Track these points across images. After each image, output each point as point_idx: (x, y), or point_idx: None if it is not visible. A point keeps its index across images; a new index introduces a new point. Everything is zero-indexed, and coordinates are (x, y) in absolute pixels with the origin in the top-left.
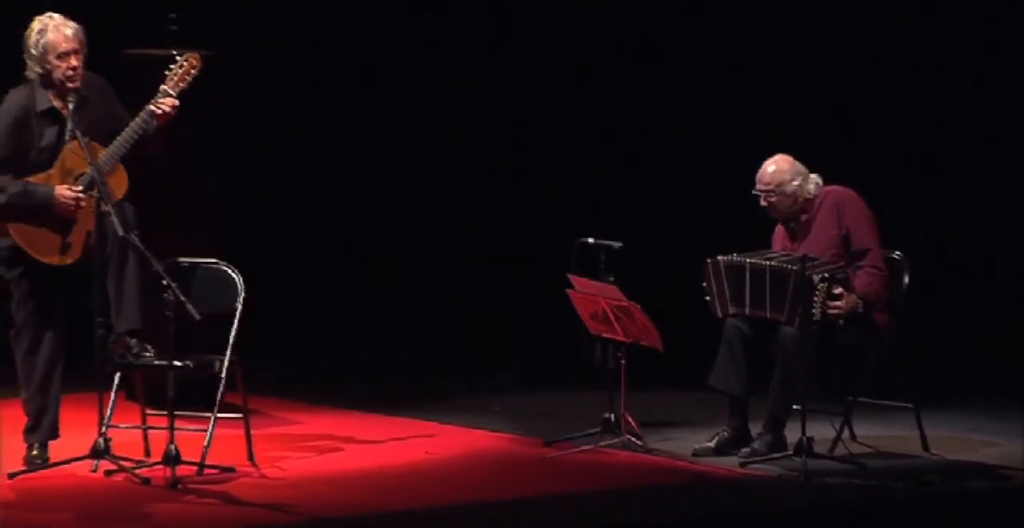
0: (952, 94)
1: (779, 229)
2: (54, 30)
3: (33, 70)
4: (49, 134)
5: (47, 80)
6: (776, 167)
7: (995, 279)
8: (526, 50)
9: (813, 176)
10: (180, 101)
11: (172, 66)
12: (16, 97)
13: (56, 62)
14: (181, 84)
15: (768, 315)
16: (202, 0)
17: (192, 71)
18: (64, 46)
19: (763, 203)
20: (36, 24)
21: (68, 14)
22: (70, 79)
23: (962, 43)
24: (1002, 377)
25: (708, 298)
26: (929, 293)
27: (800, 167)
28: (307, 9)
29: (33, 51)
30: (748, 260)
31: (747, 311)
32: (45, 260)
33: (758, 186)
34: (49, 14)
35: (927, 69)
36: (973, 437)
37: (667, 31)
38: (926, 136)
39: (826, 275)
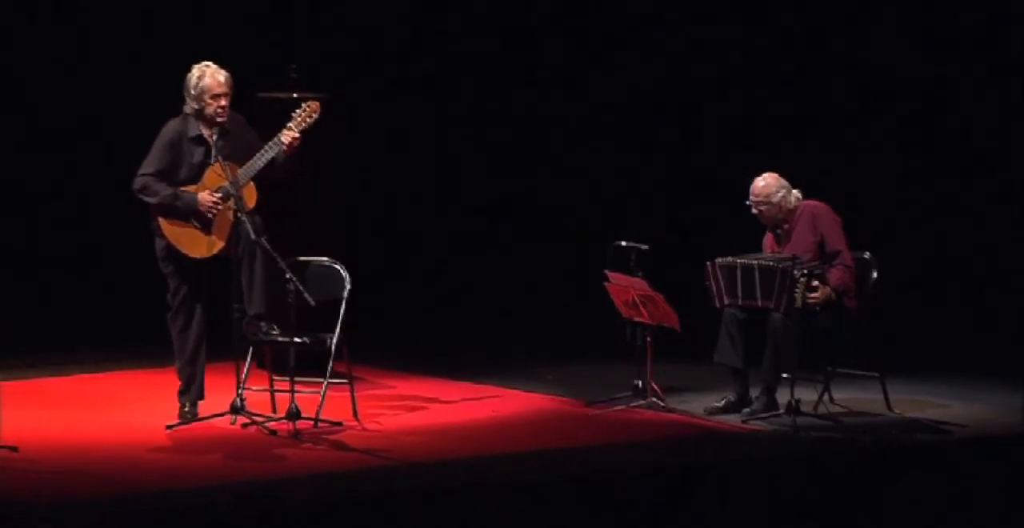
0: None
1: (768, 236)
2: (210, 76)
3: (190, 105)
4: (197, 155)
5: (199, 114)
6: (765, 182)
7: (953, 273)
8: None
9: (795, 191)
10: (302, 138)
11: (297, 109)
12: (173, 124)
13: (210, 101)
14: (303, 124)
15: (759, 303)
16: (318, 54)
17: (313, 114)
18: (217, 89)
19: (754, 211)
20: (196, 70)
21: (218, 63)
22: (219, 115)
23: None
24: (954, 351)
25: (709, 293)
26: (895, 283)
27: (784, 182)
28: (395, 60)
29: (192, 91)
30: (739, 261)
31: (740, 302)
32: (193, 254)
33: (750, 197)
34: (207, 63)
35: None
36: (928, 400)
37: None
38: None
39: (806, 271)
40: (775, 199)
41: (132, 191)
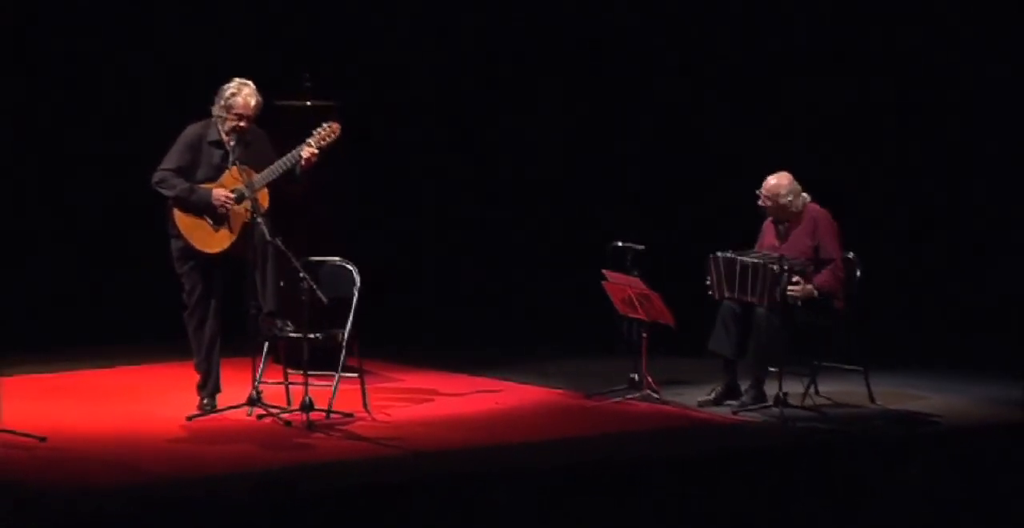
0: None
1: (767, 226)
2: (243, 98)
3: (215, 112)
4: (216, 158)
5: (222, 120)
6: (777, 181)
7: (930, 271)
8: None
9: (804, 195)
10: (319, 155)
11: (318, 128)
12: (195, 127)
13: (232, 117)
14: (322, 142)
15: (749, 299)
16: (329, 62)
17: (332, 135)
18: (243, 111)
19: (759, 202)
20: (234, 84)
21: (242, 73)
22: (236, 130)
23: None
24: (933, 346)
25: (708, 284)
26: (878, 282)
27: (796, 186)
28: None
29: (221, 101)
30: (739, 257)
31: (736, 295)
32: (205, 249)
33: (760, 190)
34: (246, 81)
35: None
36: (908, 392)
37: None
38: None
39: (786, 267)
40: (781, 201)
41: (150, 184)
